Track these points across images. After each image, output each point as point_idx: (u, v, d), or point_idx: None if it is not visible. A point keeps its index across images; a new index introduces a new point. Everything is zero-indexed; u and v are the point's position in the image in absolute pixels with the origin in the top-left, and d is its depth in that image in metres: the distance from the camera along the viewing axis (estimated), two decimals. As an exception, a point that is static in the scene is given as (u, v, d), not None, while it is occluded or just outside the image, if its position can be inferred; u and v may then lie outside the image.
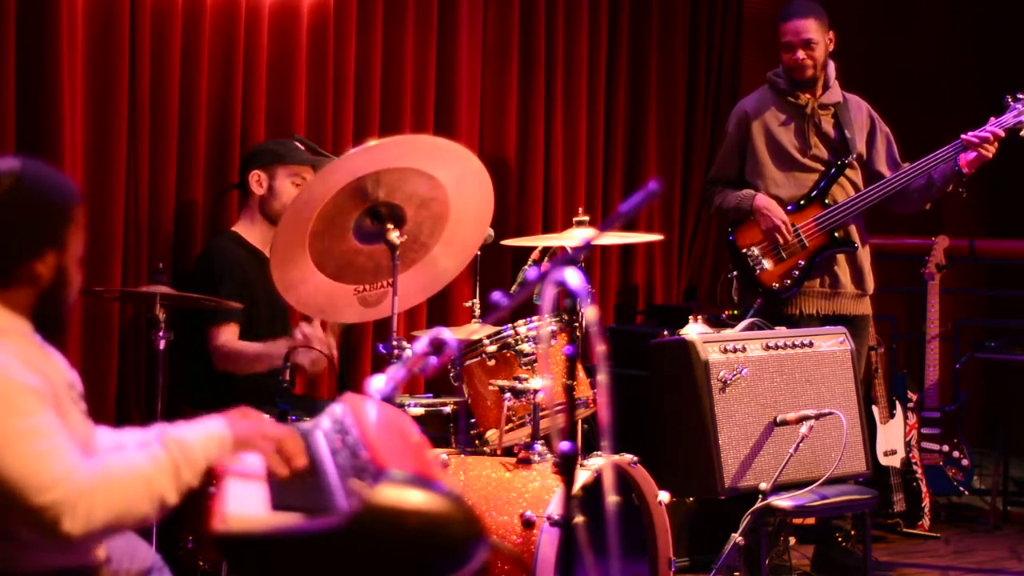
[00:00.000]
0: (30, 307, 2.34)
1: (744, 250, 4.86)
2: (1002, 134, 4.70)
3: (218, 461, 2.29)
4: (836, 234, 4.82)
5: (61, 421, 2.23)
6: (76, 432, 2.30)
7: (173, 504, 2.22)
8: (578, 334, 3.71)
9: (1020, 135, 4.74)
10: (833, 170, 4.83)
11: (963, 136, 4.70)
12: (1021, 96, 4.77)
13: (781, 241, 4.79)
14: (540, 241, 4.31)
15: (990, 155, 4.69)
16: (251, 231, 4.31)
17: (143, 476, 2.18)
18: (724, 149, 5.05)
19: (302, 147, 4.36)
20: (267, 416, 2.55)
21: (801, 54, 4.81)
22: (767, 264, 4.83)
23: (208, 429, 2.30)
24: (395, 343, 3.54)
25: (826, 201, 4.81)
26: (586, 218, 4.05)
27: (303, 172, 4.27)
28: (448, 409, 4.10)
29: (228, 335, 4.14)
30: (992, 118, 4.73)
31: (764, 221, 4.79)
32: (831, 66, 4.92)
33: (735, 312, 5.12)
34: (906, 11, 7.44)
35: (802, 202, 4.84)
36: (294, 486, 2.27)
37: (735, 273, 4.99)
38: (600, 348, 2.34)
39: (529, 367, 3.78)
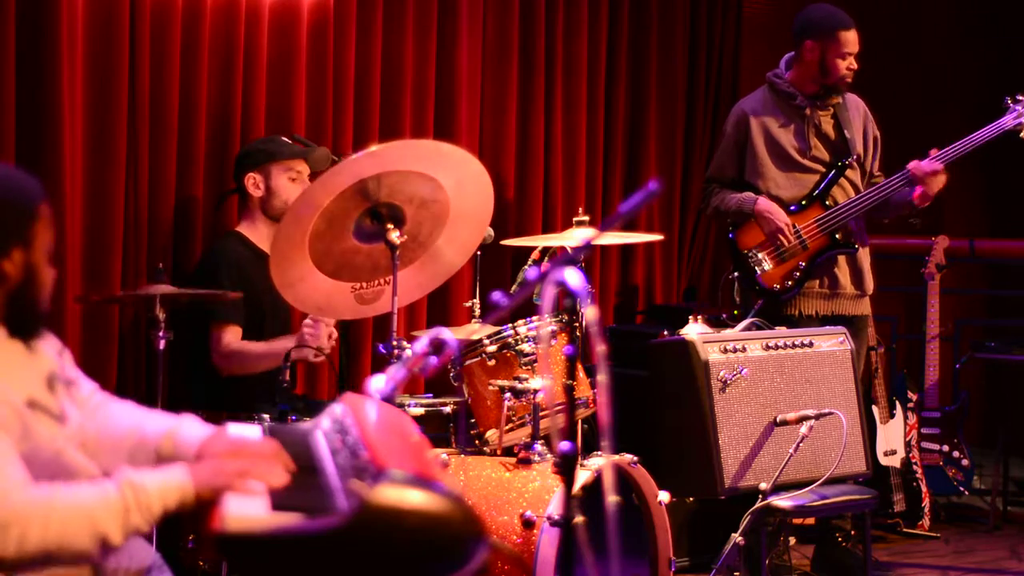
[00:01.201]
0: (1, 309, 2.29)
1: (745, 251, 4.86)
2: (940, 167, 4.68)
3: (178, 509, 2.20)
4: (836, 235, 4.82)
5: (21, 438, 2.17)
6: (42, 444, 2.24)
7: (117, 545, 2.15)
8: (578, 334, 3.71)
9: (1020, 136, 4.74)
10: (833, 171, 4.83)
11: (909, 167, 4.70)
12: (1021, 98, 4.77)
13: (784, 244, 4.78)
14: (540, 241, 4.31)
15: (934, 191, 4.69)
16: (254, 231, 4.32)
17: (87, 512, 2.12)
18: (723, 149, 5.04)
19: (290, 141, 4.37)
20: (234, 426, 2.50)
21: (855, 63, 4.80)
22: (768, 265, 4.83)
23: (168, 477, 2.21)
24: (395, 343, 3.54)
25: (827, 202, 4.81)
26: (586, 218, 4.04)
27: (296, 166, 4.29)
28: (448, 409, 4.11)
29: (231, 337, 4.15)
30: (934, 150, 4.73)
31: (767, 224, 4.78)
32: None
33: (735, 312, 5.11)
34: (910, 11, 7.44)
35: (803, 203, 4.83)
36: (294, 486, 2.26)
37: (736, 274, 4.99)
38: (600, 348, 2.33)
39: (529, 367, 3.78)
